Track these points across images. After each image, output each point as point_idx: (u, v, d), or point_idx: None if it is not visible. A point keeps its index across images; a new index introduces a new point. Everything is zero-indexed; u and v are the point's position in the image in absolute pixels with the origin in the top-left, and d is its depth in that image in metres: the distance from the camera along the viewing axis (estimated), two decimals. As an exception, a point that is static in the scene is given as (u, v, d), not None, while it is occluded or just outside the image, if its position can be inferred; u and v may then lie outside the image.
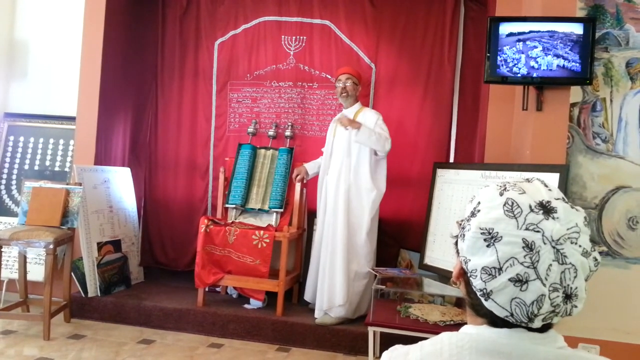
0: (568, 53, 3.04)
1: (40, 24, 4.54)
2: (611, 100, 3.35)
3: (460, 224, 0.90)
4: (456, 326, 2.75)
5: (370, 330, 2.91)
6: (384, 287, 3.22)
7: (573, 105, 3.36)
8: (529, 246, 0.79)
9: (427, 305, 3.15)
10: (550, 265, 0.78)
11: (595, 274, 0.85)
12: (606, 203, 3.32)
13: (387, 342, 3.18)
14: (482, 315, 0.85)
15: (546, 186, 0.87)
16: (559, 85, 3.12)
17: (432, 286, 3.29)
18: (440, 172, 3.56)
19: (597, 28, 3.23)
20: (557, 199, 0.84)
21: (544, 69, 3.06)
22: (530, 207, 0.81)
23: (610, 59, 3.36)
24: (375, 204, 3.66)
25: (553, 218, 0.80)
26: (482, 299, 0.83)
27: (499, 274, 0.80)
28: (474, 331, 0.85)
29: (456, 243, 0.90)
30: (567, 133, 3.24)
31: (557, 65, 3.05)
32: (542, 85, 3.11)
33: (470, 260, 0.84)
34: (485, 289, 0.81)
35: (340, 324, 3.59)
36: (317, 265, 3.78)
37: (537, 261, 0.78)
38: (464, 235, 0.87)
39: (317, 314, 3.67)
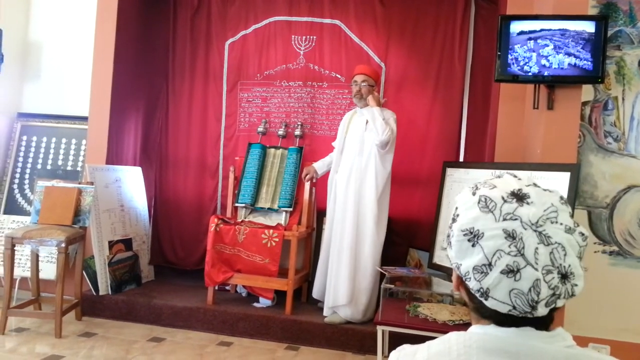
0: (580, 51, 3.02)
1: (54, 26, 4.59)
2: (623, 99, 3.32)
3: (447, 234, 0.91)
4: (465, 325, 2.74)
5: (379, 329, 2.91)
6: (392, 286, 3.22)
7: (584, 103, 3.33)
8: (511, 235, 0.79)
9: (436, 305, 3.14)
10: (537, 248, 0.78)
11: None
12: (617, 202, 3.29)
13: (396, 341, 3.17)
14: (487, 317, 0.85)
15: (515, 176, 0.88)
16: (571, 84, 3.10)
17: (441, 285, 3.28)
18: (450, 171, 3.55)
19: (610, 26, 3.20)
20: (528, 185, 0.85)
21: (555, 68, 3.04)
22: (502, 198, 0.83)
23: (622, 57, 3.33)
24: (384, 190, 3.66)
25: (527, 203, 0.81)
26: (483, 300, 0.82)
27: (490, 270, 0.80)
28: (481, 331, 0.84)
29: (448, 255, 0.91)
30: (579, 132, 3.22)
31: (569, 64, 3.03)
32: (553, 83, 3.09)
33: (461, 264, 0.85)
34: (482, 288, 0.82)
35: (349, 323, 3.59)
36: (326, 263, 3.78)
37: (523, 248, 0.79)
38: (450, 242, 0.88)
39: (326, 312, 3.68)
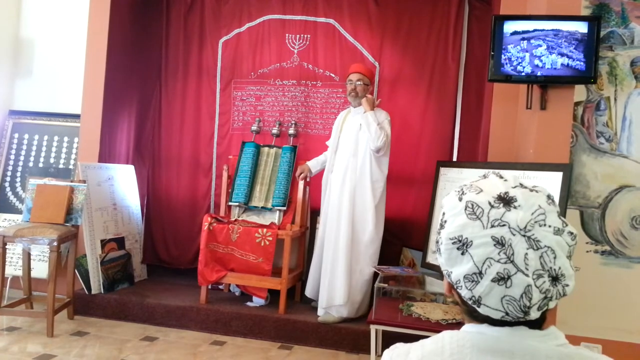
0: (572, 52, 3.03)
1: (46, 22, 4.56)
2: (615, 99, 3.34)
3: (437, 240, 0.90)
4: (458, 324, 2.75)
5: (373, 328, 2.91)
6: (386, 285, 3.22)
7: (577, 104, 3.35)
8: (500, 242, 0.79)
9: (430, 304, 3.15)
10: (526, 254, 0.78)
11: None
12: (609, 202, 3.31)
13: (389, 340, 3.17)
14: (480, 320, 0.84)
15: (501, 177, 0.87)
16: (563, 84, 3.11)
17: (434, 285, 3.29)
18: (444, 171, 3.56)
19: (602, 27, 3.22)
20: (515, 187, 0.84)
21: (548, 68, 3.05)
22: (489, 203, 0.81)
23: (614, 58, 3.35)
24: (382, 194, 3.68)
25: (514, 207, 0.80)
26: (475, 307, 0.82)
27: (481, 278, 0.80)
28: (475, 330, 0.84)
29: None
30: (571, 132, 3.23)
31: (562, 64, 3.04)
32: (546, 84, 3.11)
33: (451, 272, 0.84)
34: (474, 296, 0.81)
35: (342, 322, 3.60)
36: (319, 263, 3.78)
37: (512, 254, 0.78)
38: (439, 249, 0.87)
39: (320, 311, 3.68)
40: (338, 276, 3.59)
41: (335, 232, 3.66)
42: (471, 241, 0.81)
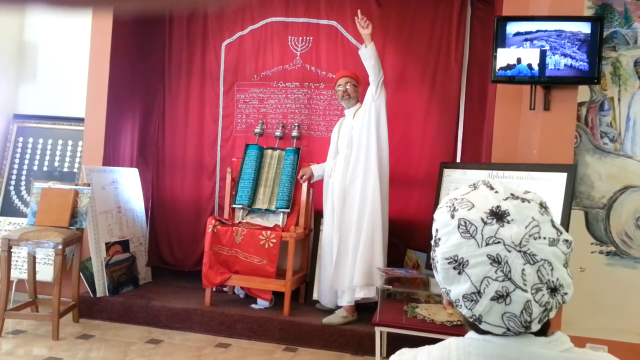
0: (576, 52, 3.03)
1: (50, 27, 4.57)
2: (619, 100, 3.34)
3: (432, 256, 0.90)
4: (463, 326, 2.75)
5: (377, 330, 2.91)
6: (390, 287, 3.22)
7: (581, 104, 3.34)
8: (496, 260, 0.78)
9: (434, 306, 3.15)
10: (523, 269, 0.78)
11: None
12: (614, 203, 3.30)
13: (394, 342, 3.18)
14: (483, 333, 0.84)
15: (492, 188, 0.86)
16: (567, 85, 3.11)
17: (438, 286, 3.28)
18: (447, 172, 3.55)
19: (605, 27, 3.21)
20: (506, 198, 0.83)
21: (551, 69, 3.05)
22: (482, 220, 0.81)
23: (618, 58, 3.34)
24: (385, 158, 3.71)
25: (508, 222, 0.80)
26: (477, 324, 0.82)
27: (480, 297, 0.80)
28: (481, 337, 0.84)
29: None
30: (575, 132, 3.23)
31: (565, 65, 3.04)
32: (549, 84, 3.10)
33: (450, 290, 0.85)
34: (474, 315, 0.81)
35: (347, 324, 3.59)
36: (331, 268, 3.76)
37: (509, 271, 0.78)
38: (435, 267, 0.87)
39: (359, 294, 3.59)
40: (359, 259, 3.56)
41: (357, 220, 3.63)
42: (467, 261, 0.80)
